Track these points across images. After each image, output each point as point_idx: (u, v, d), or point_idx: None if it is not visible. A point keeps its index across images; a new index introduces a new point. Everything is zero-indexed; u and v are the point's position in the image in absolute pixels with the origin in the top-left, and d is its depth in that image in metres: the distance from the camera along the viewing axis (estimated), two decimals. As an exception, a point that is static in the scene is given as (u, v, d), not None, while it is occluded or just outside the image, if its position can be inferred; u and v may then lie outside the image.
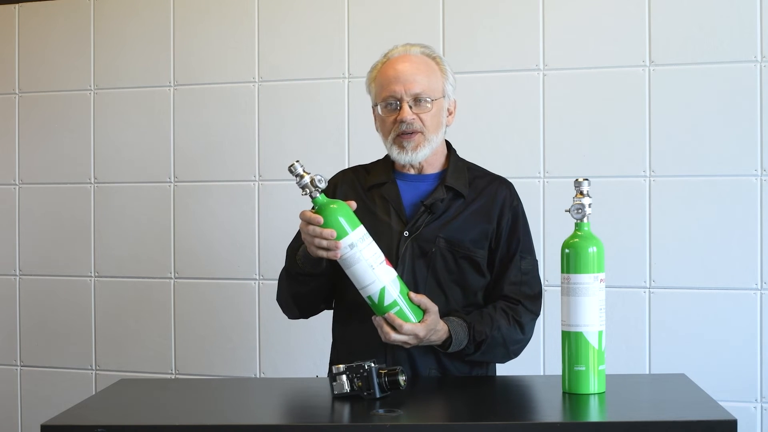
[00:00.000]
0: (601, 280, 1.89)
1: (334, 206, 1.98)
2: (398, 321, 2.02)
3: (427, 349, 2.15)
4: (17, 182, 3.49)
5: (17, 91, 3.50)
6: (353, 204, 2.03)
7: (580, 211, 1.91)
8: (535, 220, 3.03)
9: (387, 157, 2.31)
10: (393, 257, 2.17)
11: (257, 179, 3.25)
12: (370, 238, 2.01)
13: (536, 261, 2.28)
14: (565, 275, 1.90)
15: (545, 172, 3.03)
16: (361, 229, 2.00)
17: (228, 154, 3.29)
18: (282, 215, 3.21)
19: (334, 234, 1.97)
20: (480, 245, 2.20)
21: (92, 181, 3.42)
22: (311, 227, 1.99)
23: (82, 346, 3.42)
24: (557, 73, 3.04)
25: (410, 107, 2.17)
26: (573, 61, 3.02)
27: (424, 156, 2.21)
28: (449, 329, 2.09)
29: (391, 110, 2.19)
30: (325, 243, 1.99)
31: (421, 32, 3.10)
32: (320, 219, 1.98)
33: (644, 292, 2.97)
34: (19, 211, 3.49)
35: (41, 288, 3.47)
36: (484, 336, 2.12)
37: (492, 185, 2.27)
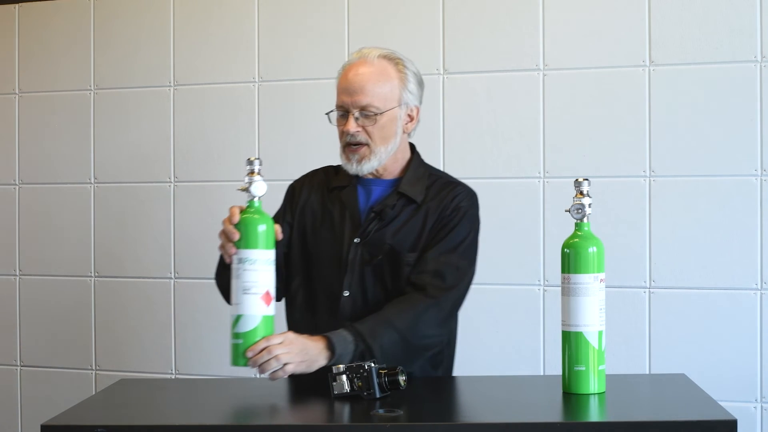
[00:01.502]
0: (601, 280, 1.89)
1: (257, 217, 1.92)
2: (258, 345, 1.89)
3: None
4: (17, 182, 3.49)
5: (17, 91, 3.50)
6: (279, 233, 1.95)
7: (580, 211, 1.91)
8: (535, 220, 3.03)
9: None
10: (344, 263, 2.16)
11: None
12: (268, 268, 1.91)
13: (465, 265, 2.17)
14: (565, 275, 1.90)
15: (545, 172, 3.03)
16: (262, 253, 1.90)
17: (228, 154, 3.29)
18: (282, 215, 3.21)
19: (237, 236, 1.90)
20: (415, 250, 2.16)
21: (92, 181, 3.42)
22: (226, 221, 1.93)
23: (82, 346, 3.42)
24: (557, 73, 3.04)
25: (357, 119, 2.16)
26: (573, 61, 3.02)
27: (371, 168, 2.19)
28: (326, 337, 1.98)
29: (340, 120, 2.20)
30: (223, 240, 1.94)
31: (421, 32, 3.10)
32: (236, 218, 1.91)
33: (644, 292, 2.97)
34: (19, 211, 3.49)
35: (41, 288, 3.47)
36: (371, 331, 2.02)
37: (446, 190, 2.21)
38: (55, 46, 3.45)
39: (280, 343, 1.90)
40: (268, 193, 3.23)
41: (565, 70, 3.03)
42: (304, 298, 2.22)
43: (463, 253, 2.17)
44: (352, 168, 2.19)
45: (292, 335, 1.95)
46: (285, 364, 1.90)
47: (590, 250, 1.89)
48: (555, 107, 3.04)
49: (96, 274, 3.42)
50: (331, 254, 2.19)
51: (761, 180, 2.89)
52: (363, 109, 2.15)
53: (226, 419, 1.85)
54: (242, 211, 1.94)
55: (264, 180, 1.93)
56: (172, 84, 3.34)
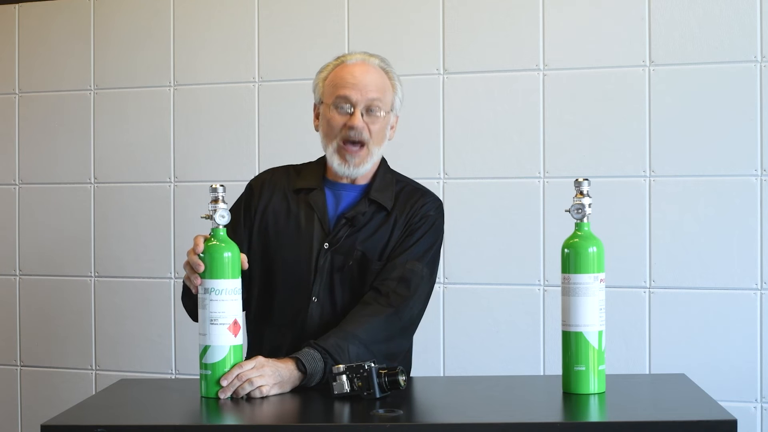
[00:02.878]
0: (601, 280, 1.89)
1: (222, 246, 1.90)
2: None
3: None
4: (17, 182, 3.49)
5: (17, 91, 3.50)
6: (245, 262, 1.94)
7: (580, 211, 1.91)
8: (535, 220, 3.03)
9: (320, 160, 2.27)
10: (312, 268, 2.15)
11: (257, 179, 3.25)
12: (235, 297, 1.89)
13: (427, 274, 2.16)
14: (565, 275, 1.90)
15: (545, 172, 3.03)
16: (228, 283, 1.89)
17: (228, 154, 3.29)
18: (282, 215, 3.21)
19: (202, 268, 1.89)
20: (384, 257, 2.16)
21: (92, 181, 3.42)
22: (191, 252, 1.92)
23: (82, 346, 3.42)
24: (557, 73, 3.04)
25: (362, 115, 2.15)
26: (573, 61, 3.02)
27: (366, 170, 2.18)
28: (295, 358, 1.96)
29: (342, 113, 2.16)
30: (188, 271, 1.93)
31: (421, 32, 3.10)
32: (201, 248, 1.90)
33: (644, 292, 2.97)
34: (19, 211, 3.49)
35: (41, 288, 3.47)
36: (337, 347, 2.00)
37: (413, 198, 2.21)
38: (55, 46, 3.45)
39: (252, 368, 1.89)
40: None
41: (565, 70, 3.03)
42: (263, 304, 2.19)
43: (428, 262, 2.17)
44: (347, 170, 2.16)
45: (262, 359, 1.93)
46: (260, 386, 1.89)
47: (590, 250, 1.89)
48: (555, 107, 3.04)
49: (96, 274, 3.42)
50: (299, 259, 2.16)
51: (761, 180, 2.89)
52: (369, 106, 2.15)
53: (226, 419, 1.85)
54: (206, 239, 1.92)
55: (227, 208, 1.91)
56: (172, 84, 3.34)
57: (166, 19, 3.35)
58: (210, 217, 1.92)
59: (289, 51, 3.24)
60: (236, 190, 3.23)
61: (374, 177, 2.22)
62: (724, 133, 2.92)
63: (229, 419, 1.85)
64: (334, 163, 2.17)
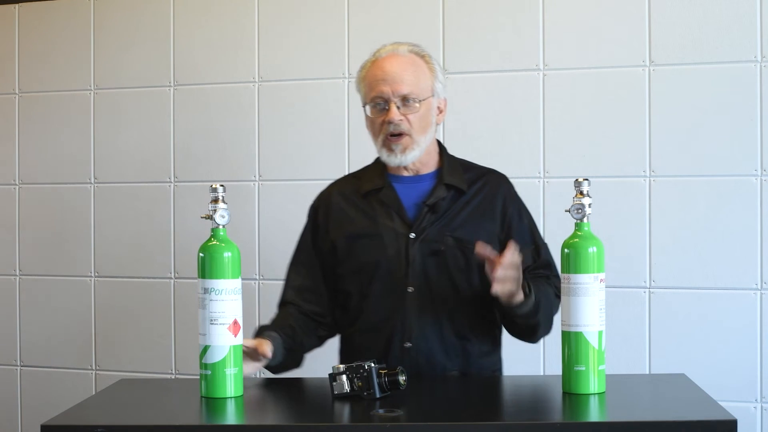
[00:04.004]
0: (601, 280, 1.89)
1: (223, 245, 1.91)
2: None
3: (455, 350, 2.16)
4: (17, 182, 3.49)
5: (17, 91, 3.50)
6: (267, 351, 2.03)
7: (580, 211, 1.91)
8: (535, 220, 3.02)
9: (377, 161, 2.30)
10: (403, 260, 2.17)
11: (257, 179, 3.25)
12: (235, 297, 1.90)
13: (545, 242, 2.32)
14: (565, 275, 1.90)
15: (545, 172, 3.03)
16: (228, 283, 1.89)
17: (228, 154, 3.29)
18: (282, 215, 3.21)
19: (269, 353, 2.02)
20: (487, 240, 2.17)
21: (92, 181, 3.42)
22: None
23: (82, 346, 3.42)
24: (557, 73, 3.04)
25: (398, 108, 2.16)
26: (573, 61, 3.02)
27: (414, 158, 2.20)
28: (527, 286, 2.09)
29: (379, 111, 2.18)
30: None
31: (421, 32, 3.10)
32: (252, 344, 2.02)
33: (644, 292, 2.97)
34: (19, 211, 3.49)
35: (41, 288, 3.47)
36: (540, 297, 2.13)
37: (487, 179, 2.28)
38: (55, 46, 3.45)
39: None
40: (272, 193, 3.25)
41: (565, 70, 3.03)
42: (355, 308, 2.23)
43: (539, 235, 2.35)
44: (396, 159, 2.19)
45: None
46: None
47: (590, 250, 1.89)
48: (555, 107, 3.04)
49: (96, 274, 3.42)
50: (387, 255, 2.19)
51: (761, 180, 2.89)
52: (404, 98, 2.16)
53: (225, 419, 1.85)
54: (207, 240, 1.93)
55: (227, 208, 1.92)
56: (172, 84, 3.34)
57: (166, 19, 3.35)
58: (210, 217, 1.92)
59: (289, 51, 3.24)
60: (236, 190, 3.24)
61: (440, 163, 2.27)
62: (724, 133, 2.92)
63: (229, 419, 1.85)
64: (383, 156, 2.21)
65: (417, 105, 2.17)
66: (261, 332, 2.17)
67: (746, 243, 2.90)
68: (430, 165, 2.26)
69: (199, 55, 3.32)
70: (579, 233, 1.91)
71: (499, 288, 1.97)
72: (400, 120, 2.16)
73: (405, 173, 2.25)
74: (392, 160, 2.20)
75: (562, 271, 1.91)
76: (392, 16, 3.16)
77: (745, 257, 2.90)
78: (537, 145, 3.05)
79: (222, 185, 1.94)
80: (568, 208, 1.93)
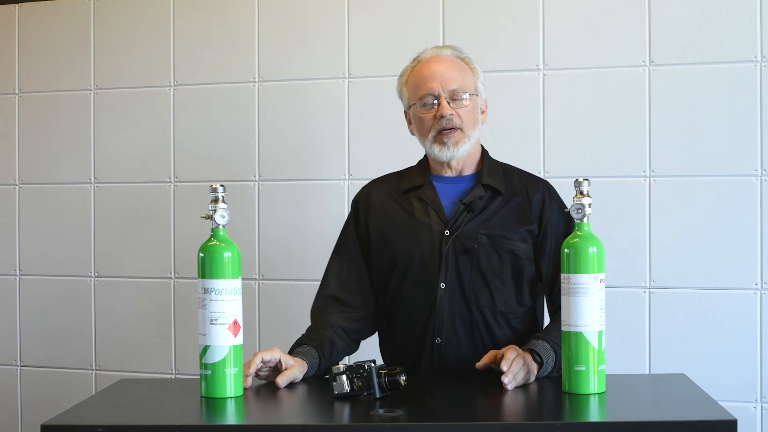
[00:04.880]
0: (601, 280, 1.89)
1: (223, 245, 1.91)
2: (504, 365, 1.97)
3: (485, 347, 2.17)
4: (17, 182, 3.49)
5: (17, 91, 3.50)
6: (290, 372, 2.03)
7: (580, 211, 1.91)
8: (535, 220, 3.03)
9: (420, 162, 2.35)
10: (436, 256, 2.20)
11: (257, 179, 3.25)
12: (235, 297, 1.91)
13: None
14: (565, 275, 1.90)
15: (545, 172, 3.03)
16: (228, 283, 1.89)
17: (228, 154, 3.29)
18: (282, 215, 3.21)
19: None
20: (521, 239, 2.22)
21: (92, 181, 3.42)
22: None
23: (82, 346, 3.42)
24: (557, 73, 3.04)
25: (448, 103, 2.20)
26: (573, 61, 3.02)
27: (465, 151, 2.24)
28: (530, 350, 2.05)
29: (429, 108, 2.22)
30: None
31: (421, 32, 3.10)
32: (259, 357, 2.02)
33: (644, 292, 2.97)
34: (19, 211, 3.49)
35: (41, 288, 3.47)
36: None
37: (526, 183, 2.30)
38: (55, 46, 3.45)
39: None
40: (271, 193, 3.25)
41: (565, 70, 3.03)
42: (391, 305, 2.27)
43: None
44: (448, 152, 2.22)
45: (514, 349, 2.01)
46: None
47: (590, 250, 1.89)
48: (555, 107, 3.04)
49: (96, 274, 3.42)
50: (422, 251, 2.22)
51: (761, 180, 2.89)
52: (453, 93, 2.20)
53: (226, 419, 1.85)
54: (207, 240, 1.93)
55: (227, 208, 1.92)
56: (172, 84, 3.34)
57: (166, 19, 3.35)
58: (210, 217, 1.92)
59: (289, 51, 3.24)
60: (236, 190, 3.24)
61: (480, 165, 2.30)
62: (724, 133, 2.92)
63: (229, 419, 1.85)
64: (435, 151, 2.23)
65: (466, 100, 2.22)
66: (301, 344, 2.19)
67: (746, 243, 2.90)
68: (472, 166, 2.30)
69: (199, 55, 3.32)
70: (579, 233, 1.91)
71: (512, 386, 1.95)
72: (452, 114, 2.20)
73: (447, 173, 2.29)
74: (445, 154, 2.23)
75: (562, 271, 1.91)
76: (392, 15, 3.16)
77: (745, 257, 2.90)
78: (537, 145, 3.05)
79: (222, 185, 1.94)
80: (568, 208, 1.93)
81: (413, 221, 2.25)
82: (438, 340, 2.21)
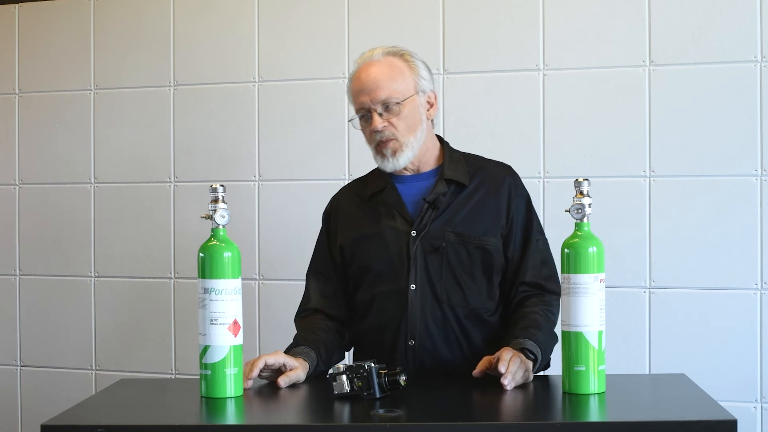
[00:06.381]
0: (601, 280, 1.89)
1: (223, 245, 1.91)
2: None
3: (459, 347, 2.19)
4: (17, 182, 3.49)
5: (17, 91, 3.50)
6: (291, 379, 2.04)
7: (580, 211, 1.91)
8: (535, 220, 3.03)
9: None
10: (405, 258, 2.19)
11: (257, 179, 3.25)
12: (235, 297, 1.91)
13: (546, 238, 2.29)
14: (565, 275, 1.90)
15: (545, 172, 3.03)
16: (228, 283, 1.90)
17: (228, 154, 3.29)
18: (282, 215, 3.21)
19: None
20: (491, 233, 2.20)
21: (92, 181, 3.42)
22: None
23: (82, 346, 3.42)
24: (557, 73, 3.04)
25: (380, 115, 2.17)
26: (573, 61, 3.02)
27: (407, 160, 2.21)
28: (527, 349, 2.06)
29: (366, 120, 2.21)
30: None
31: (421, 32, 3.10)
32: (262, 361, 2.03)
33: (644, 292, 2.97)
34: (19, 211, 3.49)
35: (41, 288, 3.47)
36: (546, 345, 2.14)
37: (491, 171, 2.28)
38: (55, 46, 3.45)
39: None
40: (271, 193, 3.25)
41: (565, 70, 3.03)
42: (364, 306, 2.26)
43: (541, 230, 2.30)
44: (389, 164, 2.21)
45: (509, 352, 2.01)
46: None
47: (590, 250, 1.89)
48: (555, 107, 3.04)
49: (96, 274, 3.42)
50: (390, 254, 2.21)
51: (761, 180, 2.89)
52: (384, 103, 2.17)
53: (225, 419, 1.85)
54: (207, 240, 1.93)
55: (227, 208, 1.92)
56: (172, 84, 3.34)
57: (166, 19, 3.35)
58: (210, 217, 1.92)
59: (289, 51, 3.24)
60: (236, 190, 3.24)
61: (441, 159, 2.27)
62: (724, 133, 2.92)
63: (229, 419, 1.85)
64: (378, 162, 2.24)
65: (398, 107, 2.17)
66: (298, 344, 2.19)
67: (746, 243, 2.90)
68: (431, 162, 2.27)
69: (199, 55, 3.32)
70: (579, 233, 1.91)
71: (511, 387, 1.95)
72: (384, 126, 2.18)
73: (406, 173, 2.26)
74: (386, 165, 2.22)
75: (562, 271, 1.91)
76: (392, 16, 3.16)
77: (745, 257, 2.90)
78: (537, 145, 3.05)
79: (222, 185, 1.94)
80: (568, 208, 1.93)
81: (379, 226, 2.23)
82: (411, 342, 2.18)
